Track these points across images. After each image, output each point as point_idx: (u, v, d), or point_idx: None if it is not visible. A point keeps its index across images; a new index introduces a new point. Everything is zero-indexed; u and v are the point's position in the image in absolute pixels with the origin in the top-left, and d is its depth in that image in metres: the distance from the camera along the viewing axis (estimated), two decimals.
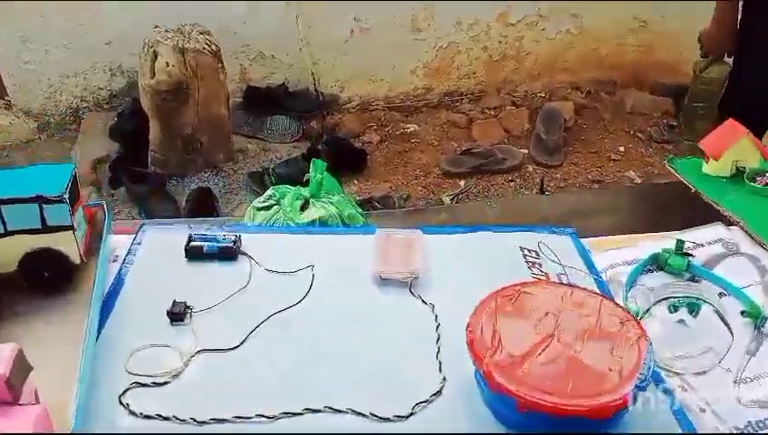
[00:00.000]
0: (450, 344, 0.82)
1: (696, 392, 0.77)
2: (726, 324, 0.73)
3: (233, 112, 2.39)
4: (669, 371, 0.77)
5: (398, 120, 2.59)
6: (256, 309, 0.86)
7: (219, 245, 0.96)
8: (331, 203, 1.17)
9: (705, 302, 0.74)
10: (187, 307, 0.85)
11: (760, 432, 0.72)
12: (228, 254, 0.96)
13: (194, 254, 0.95)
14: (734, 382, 0.78)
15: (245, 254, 0.97)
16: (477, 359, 0.70)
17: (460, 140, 2.51)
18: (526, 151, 2.47)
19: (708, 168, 1.26)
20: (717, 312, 0.73)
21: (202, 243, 0.96)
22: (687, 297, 0.75)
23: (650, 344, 0.70)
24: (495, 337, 0.72)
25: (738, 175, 1.22)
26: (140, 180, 2.13)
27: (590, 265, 0.99)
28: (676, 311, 0.83)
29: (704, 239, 1.05)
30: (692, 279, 0.97)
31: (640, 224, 1.16)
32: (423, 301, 0.89)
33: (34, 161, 2.37)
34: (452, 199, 2.21)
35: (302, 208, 1.16)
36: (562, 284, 0.83)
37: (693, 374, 0.77)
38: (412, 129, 2.53)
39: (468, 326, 0.74)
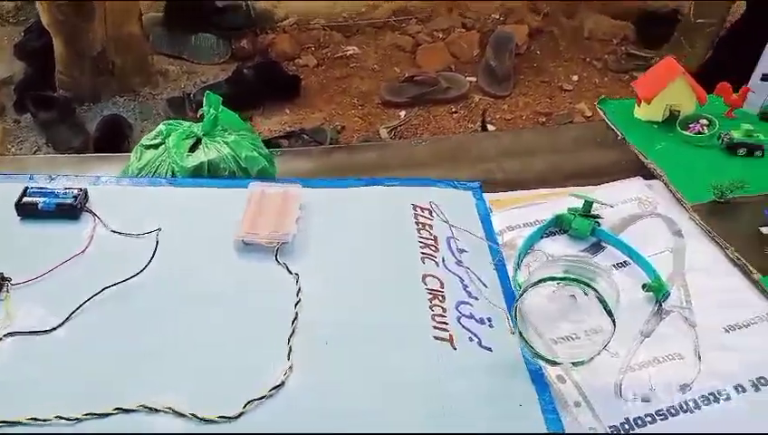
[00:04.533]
0: (308, 324, 0.71)
1: (576, 383, 0.68)
2: (609, 314, 0.63)
3: (153, 29, 2.17)
4: (546, 360, 0.68)
5: (339, 41, 2.39)
6: (92, 280, 0.74)
7: (57, 201, 0.83)
8: (225, 143, 1.02)
9: (587, 286, 0.63)
10: (4, 278, 0.72)
11: (633, 433, 0.64)
12: (68, 212, 0.82)
13: (27, 211, 0.82)
14: (621, 370, 0.70)
15: (90, 212, 0.84)
16: None
17: (404, 66, 2.33)
18: (474, 80, 2.31)
19: (640, 111, 1.14)
20: (599, 298, 0.63)
21: (37, 199, 0.82)
22: (564, 279, 0.64)
23: None
24: None
25: (672, 120, 1.11)
26: (47, 106, 1.94)
27: (488, 228, 0.88)
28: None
29: (618, 198, 0.94)
30: (597, 244, 0.88)
31: (557, 174, 1.05)
32: (288, 270, 0.78)
33: None
34: (390, 132, 2.07)
35: (193, 149, 1.02)
36: None
37: (571, 364, 0.68)
38: (352, 51, 2.34)
39: None
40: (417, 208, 0.89)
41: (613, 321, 0.64)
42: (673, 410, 0.66)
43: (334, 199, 0.91)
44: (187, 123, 1.03)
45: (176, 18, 2.24)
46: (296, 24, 2.41)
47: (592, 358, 0.66)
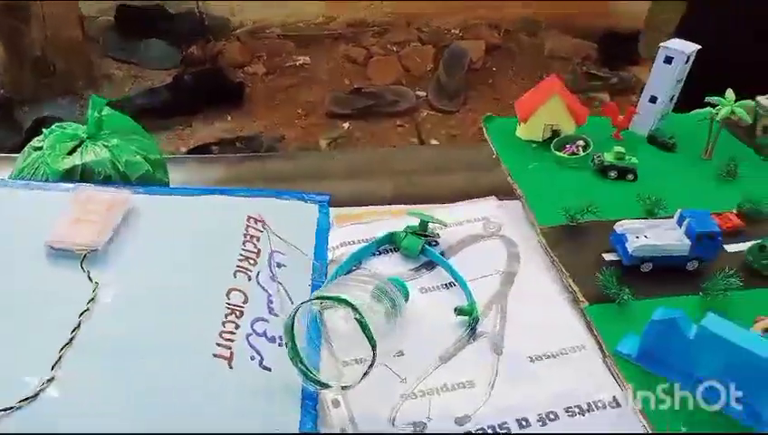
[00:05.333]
0: (89, 335, 0.69)
1: (349, 408, 0.65)
2: (368, 337, 0.60)
3: (104, 34, 2.18)
4: (317, 383, 0.65)
5: (291, 50, 2.39)
6: None
7: None
8: (105, 147, 1.01)
9: (351, 306, 0.61)
10: None
11: None
12: None
13: None
14: (402, 396, 0.67)
15: None
16: None
17: (354, 78, 2.32)
18: (424, 94, 2.29)
19: (521, 130, 1.11)
20: (359, 320, 0.60)
21: None
22: (330, 298, 0.62)
23: None
24: None
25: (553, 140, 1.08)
26: None
27: (320, 243, 0.86)
28: (379, 301, 0.70)
29: (465, 216, 0.92)
30: (431, 263, 0.85)
31: (461, 190, 1.02)
32: (90, 278, 0.76)
33: None
34: (329, 143, 2.05)
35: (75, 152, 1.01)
36: None
37: (341, 387, 0.65)
38: (303, 61, 2.34)
39: None
40: (251, 220, 0.86)
41: (373, 346, 0.61)
42: None
43: (169, 208, 0.88)
44: (75, 126, 1.02)
45: (127, 23, 2.25)
46: (250, 33, 2.40)
47: (350, 385, 0.63)
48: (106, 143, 1.00)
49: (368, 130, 2.12)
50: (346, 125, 2.13)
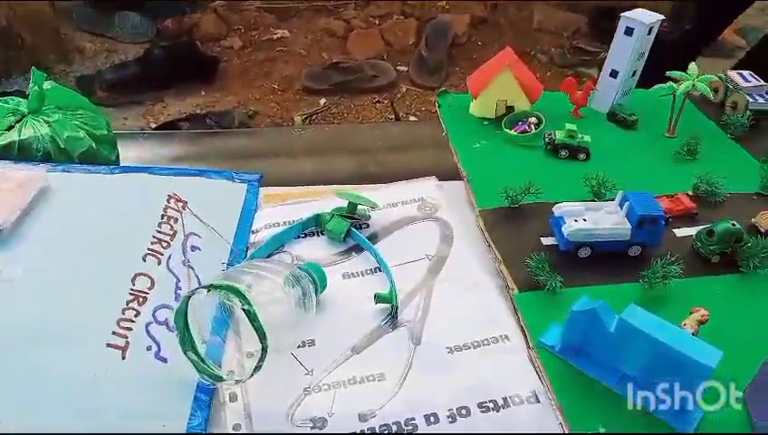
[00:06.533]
0: None
1: (246, 403, 0.61)
2: (257, 329, 0.56)
3: (76, 6, 2.12)
4: (211, 376, 0.61)
5: (270, 23, 2.32)
6: None
7: None
8: (46, 122, 0.96)
9: (240, 296, 0.56)
10: None
11: None
12: None
13: None
14: (305, 390, 0.63)
15: None
16: None
17: (333, 52, 2.25)
18: (406, 69, 2.23)
19: (473, 107, 1.05)
20: (247, 310, 0.56)
21: None
22: (218, 287, 0.57)
23: None
24: None
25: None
26: None
27: (243, 225, 0.81)
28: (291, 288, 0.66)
29: (401, 197, 0.87)
30: (360, 247, 0.80)
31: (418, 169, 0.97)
32: None
33: None
34: (305, 120, 2.00)
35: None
36: None
37: (235, 381, 0.61)
38: (281, 35, 2.27)
39: None
40: (172, 200, 0.82)
41: (261, 338, 0.57)
42: None
43: (87, 186, 0.84)
44: (17, 100, 0.98)
45: None
46: (228, 5, 2.33)
47: (242, 379, 0.59)
48: (47, 118, 0.96)
49: (345, 106, 2.06)
50: (322, 101, 2.07)
